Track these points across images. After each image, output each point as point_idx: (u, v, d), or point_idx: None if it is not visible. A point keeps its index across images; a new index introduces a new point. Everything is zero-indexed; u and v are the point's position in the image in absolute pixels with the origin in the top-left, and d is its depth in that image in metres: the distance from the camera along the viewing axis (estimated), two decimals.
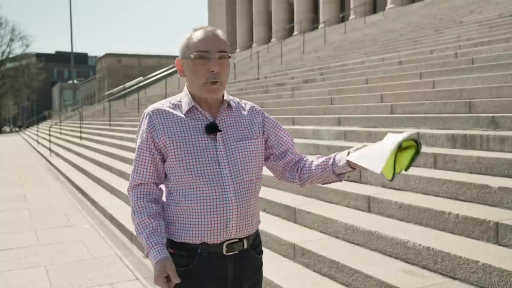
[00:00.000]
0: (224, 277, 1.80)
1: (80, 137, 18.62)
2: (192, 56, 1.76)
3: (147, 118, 1.81)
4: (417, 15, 19.22)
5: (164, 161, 1.81)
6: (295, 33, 32.08)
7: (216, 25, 34.41)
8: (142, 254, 1.61)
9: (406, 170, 1.70)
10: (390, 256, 3.62)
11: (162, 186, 1.88)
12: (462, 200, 3.98)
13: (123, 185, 8.07)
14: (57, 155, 16.86)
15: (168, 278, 1.69)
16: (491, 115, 5.29)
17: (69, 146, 17.99)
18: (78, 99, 51.79)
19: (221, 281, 1.80)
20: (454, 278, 3.13)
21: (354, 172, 1.87)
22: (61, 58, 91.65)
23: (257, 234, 1.94)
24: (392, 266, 3.42)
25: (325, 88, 10.65)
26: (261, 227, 2.09)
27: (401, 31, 16.08)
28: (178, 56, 1.85)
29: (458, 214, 3.58)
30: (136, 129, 1.90)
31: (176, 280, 1.68)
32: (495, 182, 3.85)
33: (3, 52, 59.84)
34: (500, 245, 3.27)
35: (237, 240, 1.80)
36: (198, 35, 1.78)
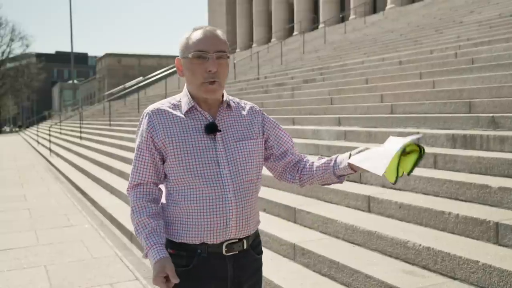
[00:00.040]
0: (223, 277, 1.80)
1: (80, 137, 18.62)
2: (190, 55, 1.76)
3: (147, 118, 1.81)
4: (417, 15, 19.21)
5: (163, 161, 1.81)
6: (295, 33, 32.08)
7: (216, 25, 34.45)
8: (142, 254, 1.61)
9: (408, 174, 1.70)
10: (390, 256, 3.61)
11: (162, 186, 1.88)
12: (462, 200, 3.98)
13: (123, 185, 8.06)
14: (57, 155, 16.86)
15: (167, 278, 1.69)
16: (491, 115, 5.29)
17: (69, 146, 18.00)
18: (78, 99, 51.81)
19: (221, 281, 1.80)
20: (454, 278, 3.13)
21: (355, 173, 1.87)
22: (61, 58, 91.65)
23: (256, 234, 1.94)
24: (392, 266, 3.42)
25: (325, 88, 10.65)
26: (261, 227, 2.09)
27: (401, 31, 16.08)
28: (178, 56, 1.85)
29: (458, 214, 3.58)
30: (136, 129, 1.90)
31: (175, 280, 1.68)
32: (495, 182, 3.85)
33: (3, 52, 59.91)
34: (500, 245, 3.27)
35: (237, 240, 1.80)
36: (197, 35, 1.78)
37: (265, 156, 1.96)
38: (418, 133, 5.51)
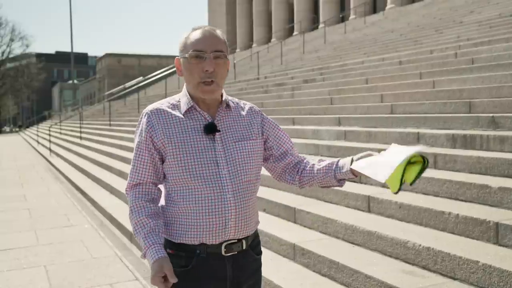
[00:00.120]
0: (223, 278, 1.79)
1: (80, 137, 18.62)
2: (187, 55, 1.76)
3: (146, 117, 1.81)
4: (417, 15, 19.21)
5: (163, 161, 1.80)
6: (295, 33, 32.08)
7: (216, 25, 34.43)
8: (140, 254, 1.61)
9: (411, 184, 1.69)
10: (390, 256, 3.61)
11: (161, 187, 1.87)
12: (462, 200, 3.98)
13: (123, 185, 8.06)
14: (57, 155, 16.86)
15: (165, 278, 1.68)
16: (491, 115, 5.29)
17: (69, 146, 18.00)
18: (78, 99, 51.81)
19: (220, 282, 1.79)
20: (454, 279, 3.12)
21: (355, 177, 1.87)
22: (61, 58, 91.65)
23: (256, 235, 1.93)
24: (392, 266, 3.42)
25: (325, 88, 10.65)
26: (261, 227, 2.09)
27: (401, 31, 16.08)
28: (178, 56, 1.85)
29: (458, 214, 3.58)
30: (135, 129, 1.89)
31: (173, 280, 1.67)
32: (495, 182, 3.85)
33: (3, 52, 59.91)
34: (500, 245, 3.27)
35: (236, 240, 1.80)
36: (195, 34, 1.78)
37: (264, 157, 1.96)
38: (418, 133, 5.53)
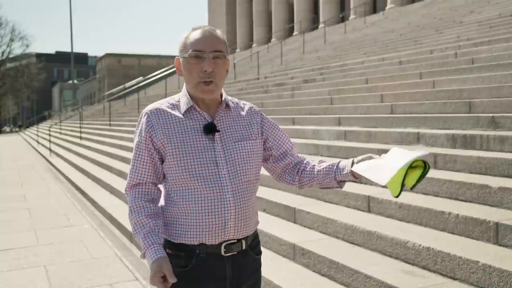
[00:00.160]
0: (222, 278, 1.79)
1: (80, 137, 18.62)
2: (186, 55, 1.76)
3: (145, 117, 1.80)
4: (417, 15, 19.21)
5: (162, 161, 1.80)
6: (295, 33, 32.08)
7: (216, 25, 34.44)
8: (140, 254, 1.60)
9: (411, 188, 1.70)
10: (390, 256, 3.61)
11: (161, 187, 1.87)
12: (462, 200, 3.98)
13: (123, 185, 8.03)
14: (57, 155, 16.86)
15: (164, 278, 1.68)
16: (491, 115, 5.29)
17: (69, 146, 18.00)
18: (78, 99, 51.81)
19: (220, 282, 1.79)
20: (454, 279, 3.12)
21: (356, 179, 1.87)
22: (61, 58, 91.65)
23: (255, 235, 1.93)
24: (392, 267, 3.42)
25: (325, 88, 10.65)
26: (261, 227, 2.09)
27: (401, 31, 16.08)
28: (177, 56, 1.85)
29: (458, 214, 3.58)
30: (135, 128, 1.89)
31: (172, 280, 1.67)
32: (495, 182, 3.84)
33: (3, 52, 59.92)
34: (500, 245, 3.27)
35: (236, 241, 1.80)
36: (195, 34, 1.78)
37: (264, 157, 1.96)
38: (418, 133, 5.53)
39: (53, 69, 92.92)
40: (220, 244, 1.77)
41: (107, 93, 31.66)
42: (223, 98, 1.85)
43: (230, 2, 43.48)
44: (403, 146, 5.54)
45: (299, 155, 2.02)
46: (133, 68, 53.33)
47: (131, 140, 12.15)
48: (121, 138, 13.94)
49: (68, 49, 75.90)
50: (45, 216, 7.38)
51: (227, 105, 1.86)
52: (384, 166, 1.69)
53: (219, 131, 1.78)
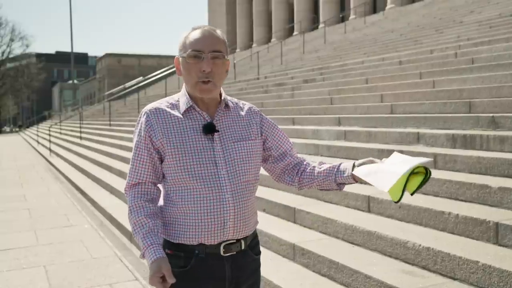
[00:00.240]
0: (221, 278, 1.79)
1: (80, 137, 18.62)
2: (185, 55, 1.76)
3: (145, 117, 1.80)
4: (417, 15, 19.21)
5: (161, 160, 1.80)
6: (295, 33, 32.08)
7: (216, 25, 34.46)
8: (140, 254, 1.60)
9: (412, 194, 1.69)
10: (390, 256, 3.61)
11: (160, 187, 1.87)
12: (462, 200, 3.98)
13: (122, 185, 8.01)
14: (57, 155, 16.86)
15: (163, 278, 1.68)
16: (491, 115, 5.29)
17: (69, 146, 18.00)
18: (78, 99, 51.82)
19: (219, 282, 1.79)
20: (454, 279, 3.12)
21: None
22: (61, 58, 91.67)
23: (255, 235, 1.93)
24: (391, 267, 3.42)
25: (325, 88, 10.65)
26: (260, 227, 2.09)
27: (401, 31, 16.08)
28: (177, 55, 1.85)
29: (458, 214, 3.57)
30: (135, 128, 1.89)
31: (171, 280, 1.67)
32: (495, 182, 3.84)
33: (3, 52, 59.93)
34: (500, 245, 3.26)
35: (235, 241, 1.79)
36: (194, 34, 1.78)
37: (263, 158, 1.95)
38: (418, 133, 5.52)
39: (53, 69, 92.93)
40: (219, 244, 1.77)
41: (107, 93, 31.66)
42: (222, 98, 1.84)
43: (230, 2, 43.48)
44: (403, 146, 5.54)
45: (299, 155, 2.01)
46: (133, 68, 53.35)
47: (131, 140, 12.06)
48: (121, 138, 13.94)
49: (68, 49, 75.98)
50: (45, 216, 7.38)
51: (227, 105, 1.86)
52: (386, 171, 1.68)
53: (218, 131, 1.78)
